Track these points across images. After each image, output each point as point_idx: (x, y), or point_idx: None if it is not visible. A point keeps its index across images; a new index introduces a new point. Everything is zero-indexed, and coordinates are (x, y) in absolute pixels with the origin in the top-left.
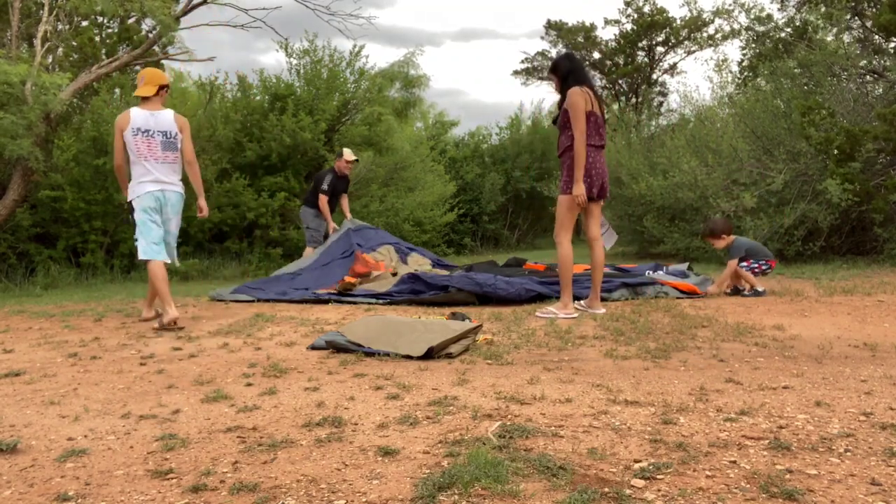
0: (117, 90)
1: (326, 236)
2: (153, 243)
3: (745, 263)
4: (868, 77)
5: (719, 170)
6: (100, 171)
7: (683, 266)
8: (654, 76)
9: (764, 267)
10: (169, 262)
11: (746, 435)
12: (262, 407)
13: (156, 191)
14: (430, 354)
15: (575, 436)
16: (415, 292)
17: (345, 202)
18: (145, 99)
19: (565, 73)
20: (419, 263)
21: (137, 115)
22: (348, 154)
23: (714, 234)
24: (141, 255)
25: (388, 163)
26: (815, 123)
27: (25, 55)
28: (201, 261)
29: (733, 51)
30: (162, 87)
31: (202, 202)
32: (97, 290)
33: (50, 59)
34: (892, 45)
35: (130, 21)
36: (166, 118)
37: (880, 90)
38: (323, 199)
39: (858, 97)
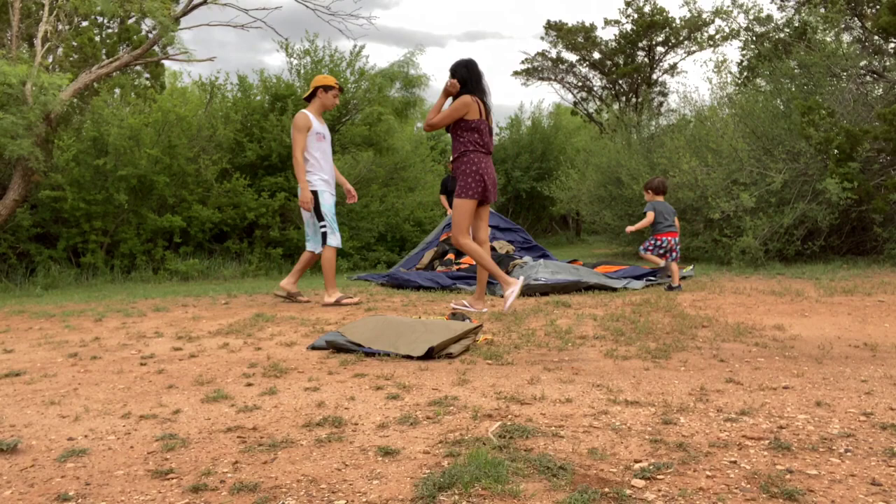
0: (117, 90)
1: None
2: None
3: (653, 239)
4: (868, 77)
5: (719, 170)
6: (100, 172)
7: (688, 269)
8: (654, 76)
9: (665, 244)
10: (312, 251)
11: (747, 435)
12: (263, 407)
13: None
14: (430, 354)
15: (575, 436)
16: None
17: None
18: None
19: (461, 82)
20: (502, 247)
21: None
22: None
23: (646, 186)
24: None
25: (389, 163)
26: (814, 123)
27: (25, 55)
28: (201, 261)
29: (733, 51)
30: (317, 89)
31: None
32: (97, 290)
33: (50, 60)
34: (891, 45)
35: (130, 21)
36: None
37: (880, 90)
38: (442, 197)
39: (858, 97)
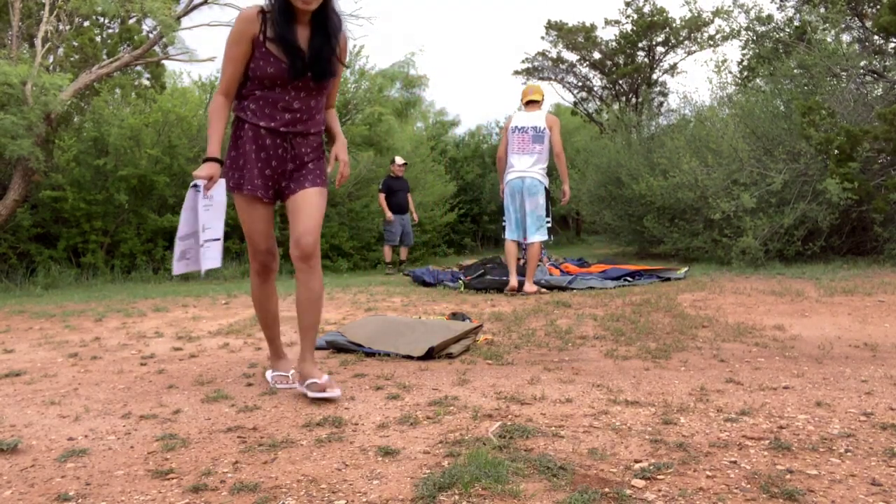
0: (118, 90)
1: (403, 231)
2: (507, 225)
3: None
4: (868, 77)
5: (719, 170)
6: (100, 172)
7: (678, 272)
8: (655, 76)
9: None
10: (518, 240)
11: (747, 435)
12: (263, 407)
13: (514, 179)
14: (430, 355)
15: (575, 436)
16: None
17: (409, 197)
18: (533, 103)
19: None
20: None
21: (519, 117)
22: (398, 159)
23: None
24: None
25: (389, 163)
26: (815, 124)
27: (26, 55)
28: None
29: (733, 51)
30: (543, 98)
31: (566, 188)
32: (97, 290)
33: (51, 60)
34: (891, 45)
35: (131, 21)
36: (538, 116)
37: (880, 90)
38: (380, 196)
39: (858, 97)
